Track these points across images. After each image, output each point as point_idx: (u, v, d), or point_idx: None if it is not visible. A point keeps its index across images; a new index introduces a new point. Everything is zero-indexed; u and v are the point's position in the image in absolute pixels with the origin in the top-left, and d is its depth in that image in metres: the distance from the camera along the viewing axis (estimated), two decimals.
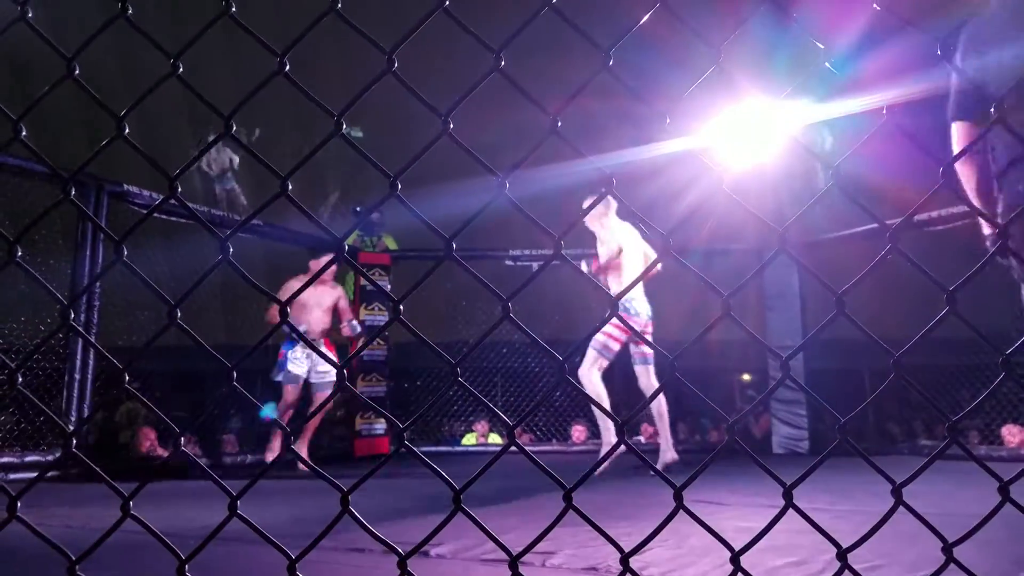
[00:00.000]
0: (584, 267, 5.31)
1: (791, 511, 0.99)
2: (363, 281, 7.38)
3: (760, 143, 6.64)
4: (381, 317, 7.33)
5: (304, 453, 5.62)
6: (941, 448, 0.95)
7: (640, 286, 5.13)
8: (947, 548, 0.95)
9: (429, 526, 1.00)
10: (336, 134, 0.90)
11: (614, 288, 5.15)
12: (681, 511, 0.99)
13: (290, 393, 5.69)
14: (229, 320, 7.42)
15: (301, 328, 5.52)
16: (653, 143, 6.23)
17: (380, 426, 7.31)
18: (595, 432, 7.48)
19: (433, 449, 7.37)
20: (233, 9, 0.99)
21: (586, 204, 5.18)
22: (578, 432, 7.62)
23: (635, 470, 4.72)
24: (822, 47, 0.93)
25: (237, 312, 7.13)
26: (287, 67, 0.99)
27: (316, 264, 5.78)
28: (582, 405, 7.46)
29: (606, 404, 4.91)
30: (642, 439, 7.53)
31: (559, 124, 0.84)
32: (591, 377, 5.02)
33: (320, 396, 5.80)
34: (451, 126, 0.86)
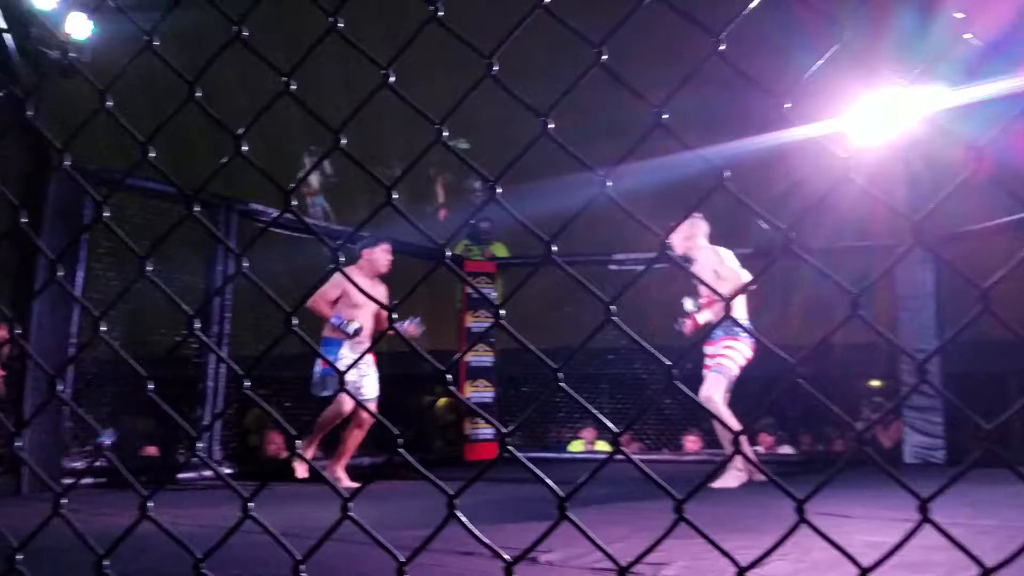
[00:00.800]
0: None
1: (926, 526, 0.91)
2: (467, 289, 7.47)
3: (892, 129, 6.19)
4: (487, 324, 7.41)
5: (309, 455, 5.23)
6: None
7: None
8: None
9: (537, 532, 0.99)
10: (437, 141, 0.90)
11: (710, 315, 5.01)
12: (804, 525, 0.93)
13: (347, 402, 4.83)
14: None
15: (353, 327, 5.07)
16: (771, 132, 5.96)
17: (489, 431, 7.39)
18: (710, 442, 7.27)
19: (539, 455, 7.36)
20: (340, 24, 1.01)
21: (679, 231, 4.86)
22: (691, 442, 7.42)
23: (753, 481, 4.54)
24: (961, 16, 0.85)
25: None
26: (392, 79, 1.01)
27: (370, 254, 5.32)
28: (695, 414, 7.25)
29: (733, 423, 4.64)
30: (761, 449, 7.26)
31: (665, 116, 0.82)
32: (722, 407, 4.86)
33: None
34: (551, 126, 0.85)
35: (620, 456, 0.96)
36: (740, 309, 4.86)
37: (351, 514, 0.98)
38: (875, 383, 8.07)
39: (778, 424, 7.61)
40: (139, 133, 1.08)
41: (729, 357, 4.98)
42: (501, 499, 4.05)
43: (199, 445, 5.42)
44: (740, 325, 4.43)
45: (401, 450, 1.00)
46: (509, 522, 3.12)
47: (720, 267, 4.92)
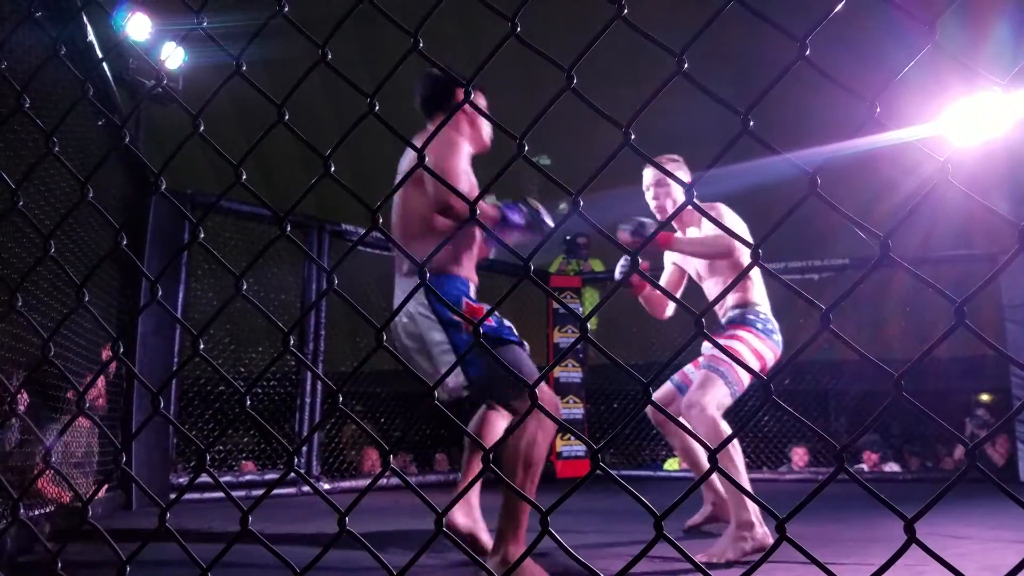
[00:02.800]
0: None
1: None
2: (554, 305, 7.48)
3: (991, 132, 5.88)
4: (573, 339, 7.39)
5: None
6: None
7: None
8: None
9: (633, 551, 0.97)
10: (518, 156, 0.90)
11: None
12: (914, 545, 0.88)
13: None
14: None
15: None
16: (861, 136, 5.75)
17: (580, 448, 7.35)
18: (817, 459, 7.00)
19: (634, 473, 7.25)
20: (421, 45, 1.03)
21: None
22: (799, 456, 7.15)
23: (861, 498, 4.34)
24: None
25: None
26: (472, 96, 1.02)
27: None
28: (797, 429, 7.00)
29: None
30: (865, 467, 6.94)
31: (751, 123, 0.79)
32: (720, 424, 3.06)
33: None
34: (632, 137, 0.84)
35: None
36: (760, 293, 3.45)
37: (445, 529, 0.99)
38: (985, 398, 7.62)
39: (883, 441, 7.27)
40: (232, 158, 1.13)
41: (739, 354, 3.19)
42: (596, 517, 4.01)
43: (296, 460, 5.60)
44: (760, 314, 3.33)
45: (493, 466, 1.00)
46: (604, 540, 3.08)
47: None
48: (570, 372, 7.55)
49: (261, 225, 5.70)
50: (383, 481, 5.23)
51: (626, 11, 0.83)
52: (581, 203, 0.87)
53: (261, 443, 5.93)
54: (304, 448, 5.79)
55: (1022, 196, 6.04)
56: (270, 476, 5.51)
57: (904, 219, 0.79)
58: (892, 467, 7.06)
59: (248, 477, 5.45)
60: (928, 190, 0.79)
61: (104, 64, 4.23)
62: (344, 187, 1.10)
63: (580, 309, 7.38)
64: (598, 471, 0.93)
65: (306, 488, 5.35)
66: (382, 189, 1.14)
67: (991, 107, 5.25)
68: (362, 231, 6.28)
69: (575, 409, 7.47)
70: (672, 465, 7.55)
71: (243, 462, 5.87)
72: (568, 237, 8.12)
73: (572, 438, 7.28)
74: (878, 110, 0.77)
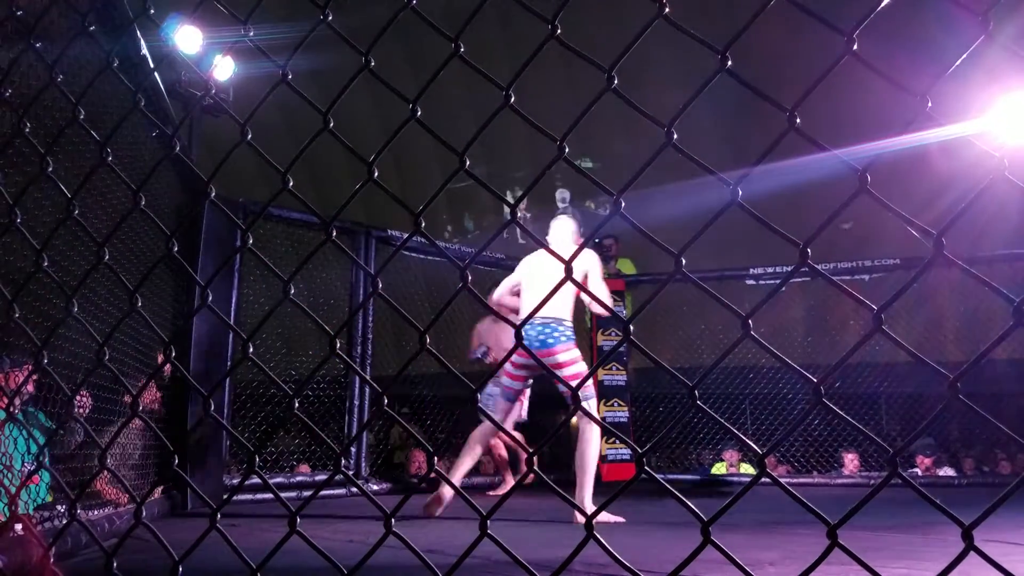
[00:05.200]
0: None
1: None
2: (596, 307, 7.43)
3: None
4: (617, 342, 7.33)
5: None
6: None
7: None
8: None
9: (680, 556, 0.96)
10: (559, 158, 0.90)
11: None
12: (971, 552, 0.85)
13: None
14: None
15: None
16: (912, 132, 5.60)
17: (626, 451, 7.29)
18: (870, 463, 6.85)
19: (681, 477, 7.17)
20: (462, 50, 1.04)
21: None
22: (850, 460, 7.00)
23: (914, 503, 4.22)
24: None
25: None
26: (512, 99, 1.02)
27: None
28: (848, 433, 6.85)
29: None
30: (918, 471, 6.75)
31: (797, 121, 0.78)
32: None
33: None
34: (675, 136, 0.83)
35: (766, 479, 0.91)
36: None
37: (490, 532, 0.99)
38: None
39: (937, 445, 7.07)
40: (281, 166, 1.15)
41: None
42: (643, 520, 3.97)
43: (344, 462, 5.69)
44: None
45: (536, 470, 1.00)
46: (651, 544, 3.05)
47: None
48: (614, 375, 7.49)
49: (310, 232, 5.80)
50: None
51: (668, 10, 0.82)
52: (623, 204, 0.87)
53: (312, 445, 6.02)
54: (352, 450, 5.86)
55: None
56: (320, 478, 5.59)
57: (958, 216, 0.77)
58: (947, 471, 6.87)
59: (299, 478, 5.54)
60: (984, 187, 0.76)
61: (156, 76, 4.35)
62: (388, 192, 1.12)
63: (623, 312, 7.33)
64: (643, 475, 0.92)
65: (355, 489, 5.41)
66: (426, 194, 1.15)
67: None
68: (406, 235, 6.35)
69: (620, 412, 7.41)
70: (719, 469, 7.46)
71: (299, 465, 5.97)
72: (596, 240, 8.08)
73: (618, 442, 7.22)
74: (930, 104, 0.75)
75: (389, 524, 1.10)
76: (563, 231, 4.36)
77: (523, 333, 1.05)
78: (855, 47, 0.75)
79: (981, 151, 0.78)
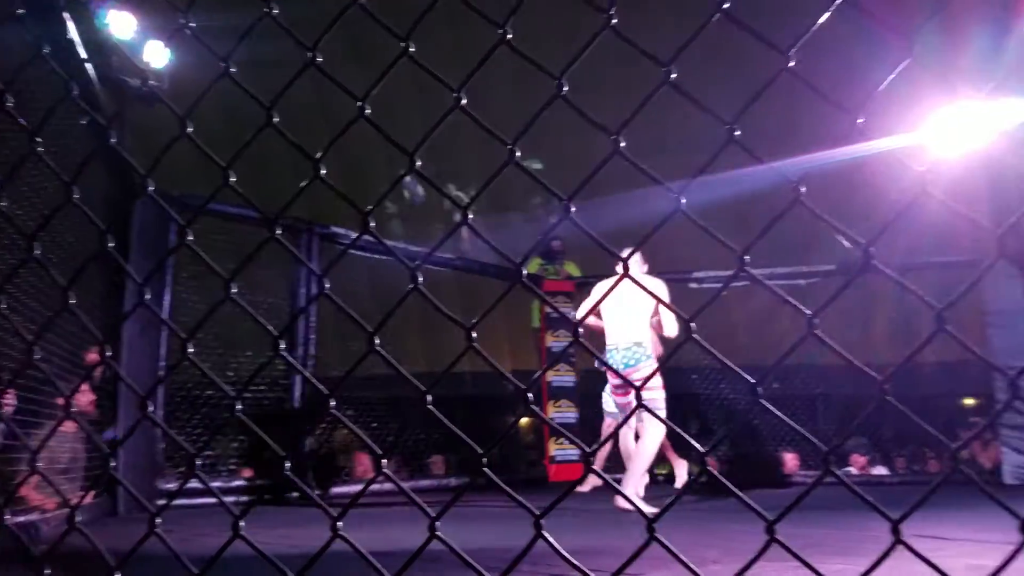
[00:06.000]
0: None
1: None
2: (547, 309, 7.47)
3: (971, 142, 5.96)
4: (566, 343, 7.37)
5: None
6: None
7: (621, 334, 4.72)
8: None
9: (625, 554, 0.97)
10: (510, 162, 0.91)
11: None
12: (902, 547, 0.88)
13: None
14: (426, 348, 7.77)
15: None
16: (844, 146, 5.81)
17: (573, 452, 7.33)
18: (807, 463, 7.05)
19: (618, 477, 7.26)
20: (412, 49, 1.04)
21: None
22: (790, 459, 7.18)
23: (852, 501, 4.35)
24: None
25: (433, 340, 7.45)
26: (463, 100, 1.02)
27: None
28: (787, 433, 7.02)
29: None
30: (854, 470, 6.98)
31: (738, 133, 0.80)
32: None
33: None
34: (622, 144, 0.84)
35: (708, 477, 0.94)
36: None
37: (439, 534, 0.99)
38: (970, 402, 7.70)
39: (871, 444, 7.32)
40: (220, 158, 1.13)
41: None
42: (589, 520, 4.01)
43: (287, 465, 5.55)
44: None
45: (487, 470, 1.00)
46: (597, 544, 3.08)
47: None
48: (563, 376, 7.54)
49: (249, 227, 5.66)
50: (376, 487, 5.21)
51: (615, 21, 0.83)
52: (572, 209, 0.88)
53: (252, 449, 5.89)
54: (295, 454, 5.77)
55: (1002, 204, 6.09)
56: (262, 482, 5.48)
57: (885, 228, 0.80)
58: (880, 470, 7.11)
59: (238, 483, 5.42)
60: (910, 200, 0.80)
61: (87, 63, 4.19)
62: (335, 190, 1.11)
63: (573, 314, 7.38)
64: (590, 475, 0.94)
65: (297, 494, 5.32)
66: (374, 191, 1.14)
67: (972, 117, 5.31)
68: (353, 234, 6.25)
69: (568, 413, 7.45)
70: (663, 469, 7.57)
71: (240, 469, 5.83)
72: (543, 243, 8.12)
73: (565, 442, 7.26)
74: (861, 121, 0.78)
75: (335, 527, 1.09)
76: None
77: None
78: (792, 63, 0.78)
79: (918, 164, 0.81)
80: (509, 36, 0.93)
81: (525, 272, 0.95)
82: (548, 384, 7.39)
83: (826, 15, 0.79)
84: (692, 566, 0.91)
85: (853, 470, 6.94)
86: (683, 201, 0.83)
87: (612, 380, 4.89)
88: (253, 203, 1.22)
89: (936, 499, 0.91)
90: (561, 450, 7.32)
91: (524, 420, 8.43)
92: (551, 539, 0.97)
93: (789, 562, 0.92)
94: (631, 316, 4.65)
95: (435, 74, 1.01)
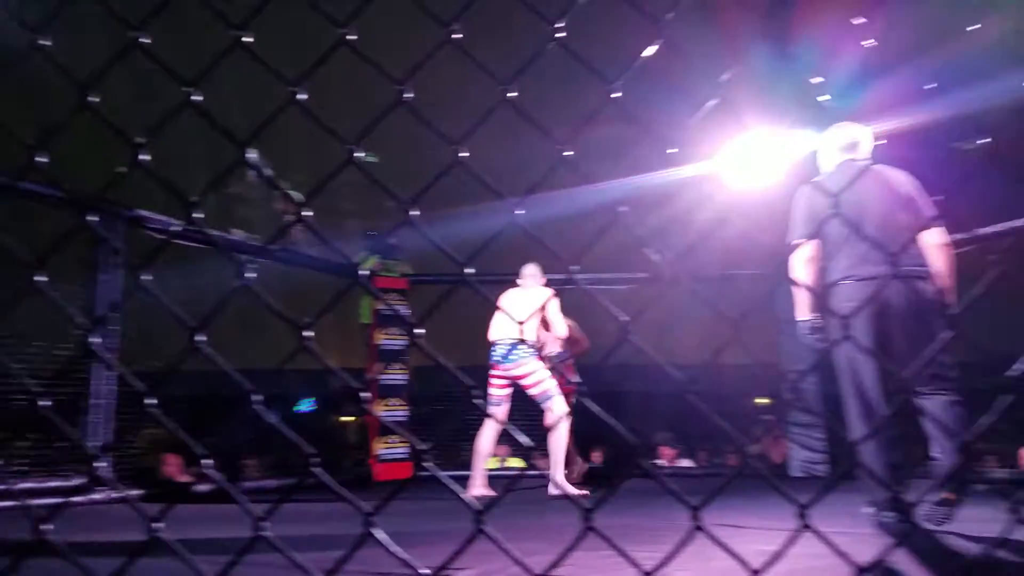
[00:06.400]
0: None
1: (812, 535, 0.98)
2: (378, 306, 7.34)
3: (769, 171, 6.58)
4: (398, 341, 7.32)
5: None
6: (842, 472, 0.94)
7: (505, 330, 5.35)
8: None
9: (452, 548, 1.00)
10: (348, 163, 0.91)
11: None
12: (703, 535, 0.98)
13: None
14: (244, 346, 7.43)
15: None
16: (662, 170, 6.24)
17: (400, 451, 7.26)
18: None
19: (455, 473, 7.33)
20: (248, 40, 1.01)
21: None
22: (596, 456, 7.55)
23: (663, 492, 4.67)
24: (819, 80, 0.95)
25: (252, 337, 7.12)
26: (299, 95, 1.01)
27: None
28: (601, 429, 7.39)
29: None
30: (664, 462, 7.47)
31: (568, 153, 0.86)
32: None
33: None
34: (465, 155, 0.88)
35: (534, 472, 0.99)
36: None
37: (265, 534, 0.97)
38: (763, 401, 8.48)
39: (678, 438, 7.87)
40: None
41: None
42: (415, 518, 4.02)
43: (98, 465, 5.11)
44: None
45: (316, 470, 1.00)
46: (424, 540, 3.10)
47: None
48: (393, 375, 7.47)
49: (44, 206, 5.11)
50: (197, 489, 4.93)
51: (460, 35, 0.87)
52: (414, 213, 0.90)
53: (39, 448, 5.34)
54: (94, 453, 5.32)
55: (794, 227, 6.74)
56: (55, 484, 5.02)
57: (690, 246, 0.89)
58: (686, 463, 7.67)
59: (28, 485, 4.93)
60: (712, 225, 0.89)
61: None
62: (160, 181, 1.06)
63: (407, 312, 7.33)
64: (423, 472, 0.96)
65: (96, 496, 4.92)
66: (182, 174, 1.10)
67: (766, 147, 5.89)
68: (161, 218, 5.72)
69: (398, 411, 7.37)
70: (491, 464, 7.71)
71: (30, 471, 5.26)
72: (371, 233, 8.03)
73: (391, 441, 7.20)
74: (567, 153, 0.86)
75: (152, 529, 1.04)
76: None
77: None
78: (511, 95, 0.84)
79: (724, 189, 0.91)
80: (353, 37, 0.94)
81: (367, 271, 0.95)
82: (378, 382, 7.31)
83: (649, 51, 0.86)
84: (515, 555, 0.96)
85: (664, 462, 7.42)
86: (518, 212, 0.87)
87: (493, 372, 5.38)
88: (62, 185, 1.14)
89: (735, 491, 1.02)
90: (387, 448, 7.23)
91: (348, 418, 8.30)
92: (381, 536, 0.98)
93: (607, 549, 0.99)
94: (517, 318, 5.31)
95: (271, 67, 0.99)
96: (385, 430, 6.97)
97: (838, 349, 3.34)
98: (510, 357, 5.28)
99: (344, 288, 0.98)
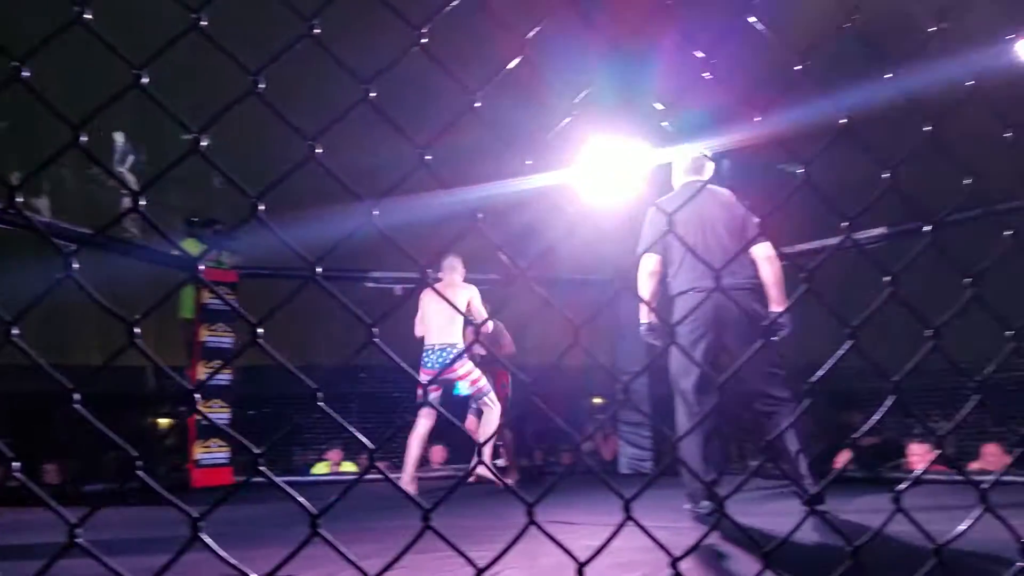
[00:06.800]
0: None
1: (636, 529, 1.05)
2: (204, 300, 6.82)
3: (619, 182, 6.87)
4: (225, 338, 6.88)
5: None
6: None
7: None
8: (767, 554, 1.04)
9: (284, 554, 0.98)
10: (191, 152, 0.88)
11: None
12: (535, 531, 1.02)
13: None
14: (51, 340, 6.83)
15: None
16: (519, 178, 6.36)
17: (221, 455, 6.77)
18: (455, 456, 7.49)
19: (283, 479, 7.03)
20: (87, 16, 0.95)
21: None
22: (436, 453, 7.57)
23: (493, 493, 4.77)
24: (660, 107, 1.02)
25: (61, 331, 6.55)
26: (143, 79, 0.95)
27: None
28: (441, 430, 7.41)
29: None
30: (501, 461, 7.58)
31: (428, 157, 0.87)
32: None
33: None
34: (319, 150, 0.87)
35: (371, 475, 0.99)
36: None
37: (79, 540, 0.91)
38: (598, 401, 8.85)
39: (518, 438, 8.03)
40: None
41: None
42: (242, 524, 3.85)
43: None
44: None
45: (141, 473, 0.94)
46: (253, 546, 2.98)
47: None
48: (218, 375, 7.00)
49: None
50: None
51: (317, 32, 0.86)
52: (262, 207, 0.88)
53: None
54: None
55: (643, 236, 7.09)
56: None
57: (539, 255, 0.94)
58: (525, 462, 7.83)
59: None
60: (563, 233, 0.94)
61: None
62: None
63: (236, 306, 6.91)
64: (256, 478, 0.94)
65: None
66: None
67: (615, 159, 6.17)
68: None
69: (221, 414, 6.82)
70: (321, 469, 7.51)
71: None
72: (218, 228, 7.61)
73: (211, 444, 6.70)
74: (428, 157, 0.90)
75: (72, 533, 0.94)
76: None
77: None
78: (373, 95, 0.86)
79: (575, 199, 0.95)
80: (204, 23, 0.90)
81: (200, 264, 0.92)
82: (200, 382, 6.83)
83: (512, 64, 0.89)
84: (351, 557, 0.96)
85: (501, 462, 7.54)
86: (375, 213, 0.88)
87: (424, 377, 5.34)
88: None
89: (567, 487, 1.07)
90: (207, 453, 6.69)
91: (164, 421, 7.79)
92: (210, 541, 0.94)
93: (443, 550, 1.01)
94: (446, 320, 5.49)
95: (115, 49, 0.93)
96: (205, 433, 6.53)
97: (672, 353, 3.67)
98: (446, 361, 5.45)
99: (181, 282, 0.93)
